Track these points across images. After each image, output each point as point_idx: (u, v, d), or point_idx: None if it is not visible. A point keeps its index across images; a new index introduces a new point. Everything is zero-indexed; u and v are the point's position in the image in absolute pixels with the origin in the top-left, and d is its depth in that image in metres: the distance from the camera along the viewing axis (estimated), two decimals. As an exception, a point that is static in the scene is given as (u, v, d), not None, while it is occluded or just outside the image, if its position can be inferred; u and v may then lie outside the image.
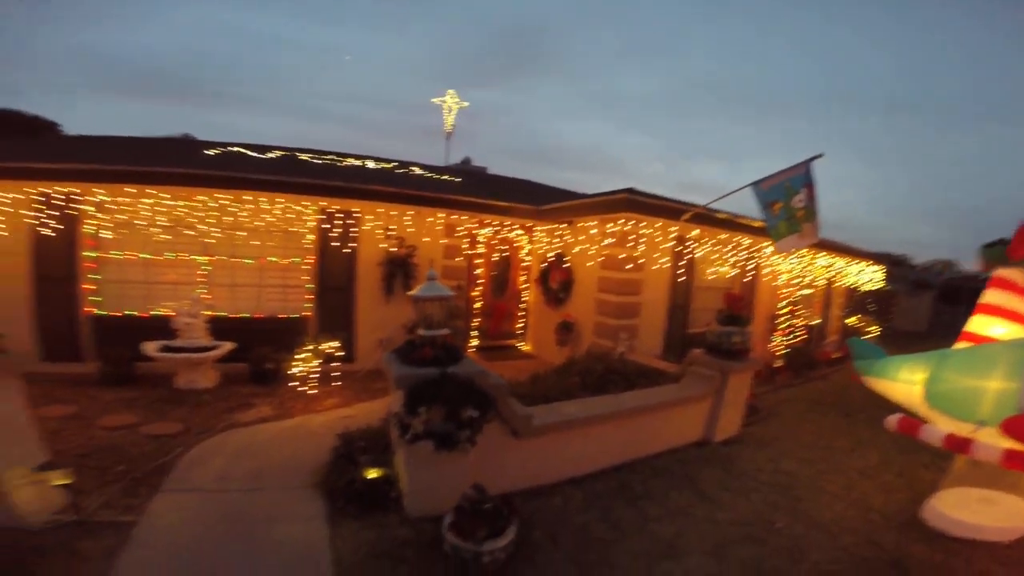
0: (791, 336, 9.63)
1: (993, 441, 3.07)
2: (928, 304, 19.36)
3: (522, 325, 9.53)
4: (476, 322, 8.88)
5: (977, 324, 3.72)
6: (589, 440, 4.46)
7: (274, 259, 7.24)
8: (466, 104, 16.29)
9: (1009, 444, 2.96)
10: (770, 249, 8.28)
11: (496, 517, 2.96)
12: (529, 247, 9.32)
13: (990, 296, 3.67)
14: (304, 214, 7.18)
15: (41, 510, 3.14)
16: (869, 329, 12.74)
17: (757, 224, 7.33)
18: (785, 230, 5.25)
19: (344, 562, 3.03)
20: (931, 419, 3.60)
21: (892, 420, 3.68)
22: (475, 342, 8.80)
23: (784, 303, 9.66)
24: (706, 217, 7.03)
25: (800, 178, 5.15)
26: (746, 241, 8.17)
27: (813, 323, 11.84)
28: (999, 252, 3.61)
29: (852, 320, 13.09)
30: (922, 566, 3.30)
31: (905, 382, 3.79)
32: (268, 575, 2.91)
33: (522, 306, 9.50)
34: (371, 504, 3.56)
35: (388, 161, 11.36)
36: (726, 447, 5.37)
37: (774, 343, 9.43)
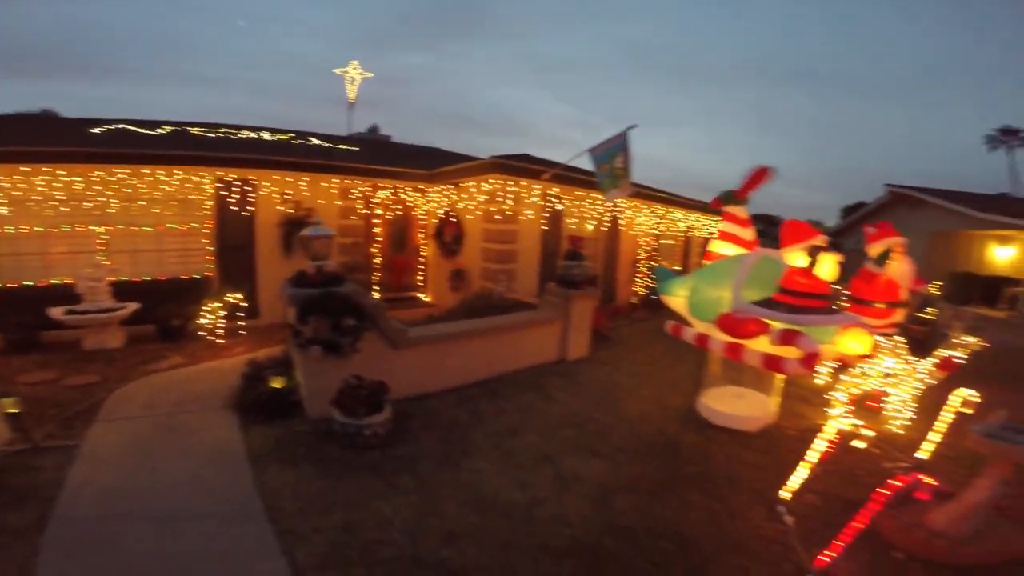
0: (650, 279, 11.45)
1: (720, 336, 4.25)
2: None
3: (422, 278, 10.56)
4: (377, 276, 9.78)
5: (715, 246, 5.25)
6: (462, 355, 5.67)
7: (173, 225, 7.68)
8: (370, 75, 16.45)
9: (727, 338, 4.14)
10: (627, 204, 9.88)
11: (373, 398, 4.07)
12: (425, 207, 10.27)
13: (722, 226, 5.20)
14: (202, 184, 7.65)
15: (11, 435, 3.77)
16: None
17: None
18: (609, 185, 6.63)
19: (254, 449, 4.01)
20: (693, 324, 4.85)
21: (668, 325, 5.03)
22: (377, 295, 9.69)
23: (642, 251, 11.43)
24: (565, 178, 8.34)
25: (620, 144, 6.50)
26: (601, 198, 9.65)
27: (674, 269, 13.91)
28: (730, 195, 5.14)
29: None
30: (688, 446, 4.44)
31: (679, 296, 5.11)
32: (197, 462, 3.82)
33: (421, 260, 10.51)
34: (276, 412, 4.54)
35: (286, 132, 11.66)
36: (576, 364, 6.77)
37: (635, 285, 11.21)
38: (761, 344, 3.96)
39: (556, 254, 9.36)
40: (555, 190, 8.66)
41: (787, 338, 3.73)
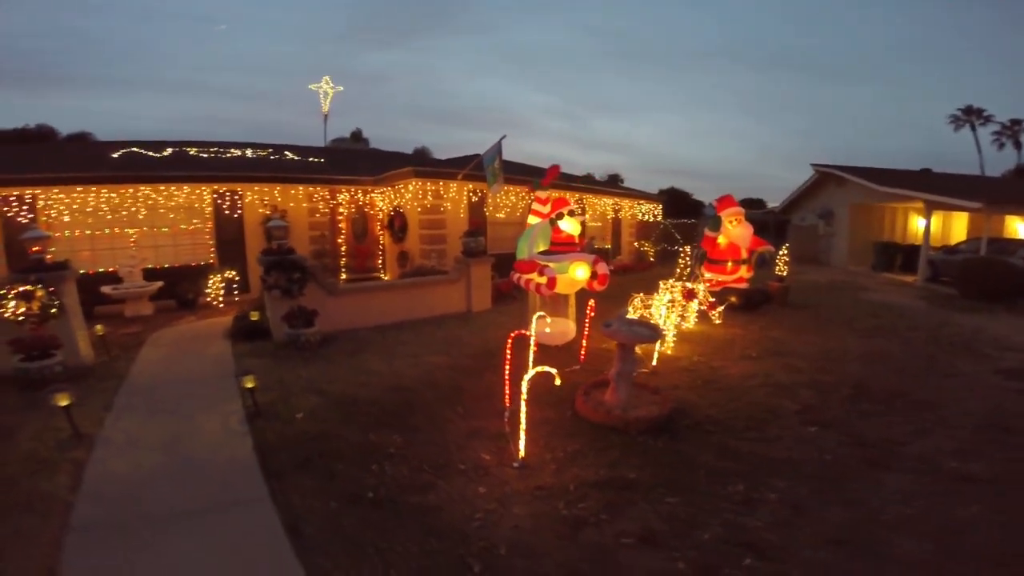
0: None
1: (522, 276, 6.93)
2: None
3: (381, 261, 13.27)
4: (344, 261, 12.49)
5: (530, 219, 7.80)
6: (384, 302, 8.37)
7: (184, 226, 10.44)
8: (340, 88, 19.20)
9: (526, 276, 6.80)
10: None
11: (307, 317, 6.78)
12: (381, 204, 12.95)
13: (535, 206, 7.76)
14: (202, 195, 10.39)
15: (89, 355, 6.52)
16: (645, 249, 17.60)
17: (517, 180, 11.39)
18: (492, 180, 9.23)
19: (238, 354, 6.71)
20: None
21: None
22: (344, 276, 12.39)
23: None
24: (475, 176, 10.95)
25: (496, 149, 9.07)
26: (515, 190, 12.30)
27: (605, 246, 16.55)
28: (536, 184, 7.70)
29: (639, 243, 17.93)
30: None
31: (519, 252, 7.63)
32: (204, 361, 6.53)
33: (380, 247, 13.21)
34: (254, 335, 7.27)
35: (265, 147, 14.40)
36: (477, 314, 9.33)
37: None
38: (534, 277, 6.60)
39: (483, 235, 12.03)
40: (469, 186, 11.31)
41: (541, 270, 6.37)
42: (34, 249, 5.94)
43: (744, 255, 10.24)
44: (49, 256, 6.17)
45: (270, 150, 14.28)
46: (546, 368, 4.04)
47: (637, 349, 6.66)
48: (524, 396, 3.90)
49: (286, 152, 14.29)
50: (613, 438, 4.32)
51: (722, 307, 8.69)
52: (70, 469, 3.85)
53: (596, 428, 4.54)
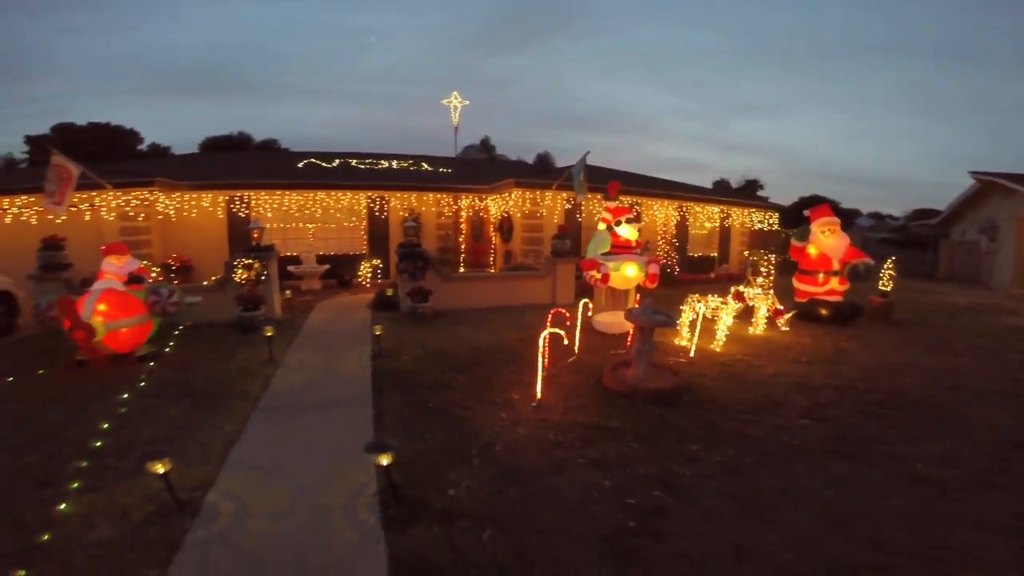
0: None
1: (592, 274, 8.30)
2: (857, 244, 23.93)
3: (492, 258, 15.39)
4: (463, 256, 14.84)
5: (600, 225, 9.00)
6: (483, 290, 10.36)
7: (346, 224, 13.56)
8: (467, 103, 21.90)
9: (589, 272, 8.12)
10: (632, 201, 13.55)
11: (424, 294, 8.97)
12: (494, 209, 15.06)
13: (603, 214, 8.89)
14: (359, 199, 13.40)
15: (279, 312, 9.44)
16: (755, 259, 17.33)
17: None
18: (579, 190, 10.62)
19: (376, 319, 9.08)
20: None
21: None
22: (462, 269, 14.73)
23: (657, 238, 14.85)
24: (565, 186, 12.38)
25: (582, 163, 10.44)
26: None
27: (710, 255, 16.85)
28: (608, 196, 8.90)
29: (748, 252, 17.73)
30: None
31: (586, 253, 8.95)
32: (353, 321, 9.06)
33: (492, 246, 15.33)
34: (387, 307, 9.71)
35: (406, 158, 17.42)
36: (559, 306, 10.86)
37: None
38: (593, 273, 7.95)
39: (576, 239, 13.50)
40: (563, 195, 12.82)
41: (598, 268, 7.73)
42: (255, 235, 8.91)
43: (836, 267, 10.26)
44: (261, 241, 9.13)
45: (410, 161, 17.28)
46: (558, 330, 5.53)
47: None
48: (542, 349, 5.43)
49: (422, 163, 17.18)
50: (619, 401, 5.40)
51: (789, 315, 9.04)
52: (263, 378, 6.24)
53: (610, 393, 5.67)
